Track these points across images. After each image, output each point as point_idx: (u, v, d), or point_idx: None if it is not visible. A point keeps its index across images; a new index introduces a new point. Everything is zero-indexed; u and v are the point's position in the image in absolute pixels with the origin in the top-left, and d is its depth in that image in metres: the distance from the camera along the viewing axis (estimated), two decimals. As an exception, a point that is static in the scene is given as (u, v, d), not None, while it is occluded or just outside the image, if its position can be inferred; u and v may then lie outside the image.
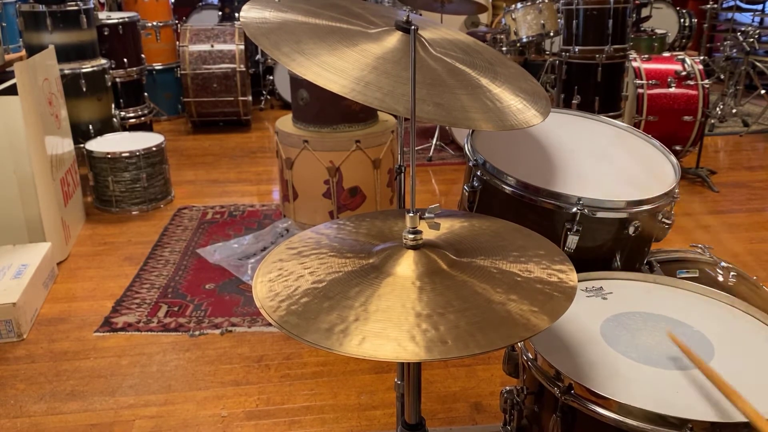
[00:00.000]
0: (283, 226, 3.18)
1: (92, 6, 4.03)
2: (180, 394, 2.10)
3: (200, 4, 6.09)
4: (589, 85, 3.95)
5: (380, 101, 1.03)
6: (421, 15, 3.96)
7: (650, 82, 3.82)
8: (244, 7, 1.22)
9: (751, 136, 4.99)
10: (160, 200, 3.67)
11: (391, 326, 0.89)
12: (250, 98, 5.15)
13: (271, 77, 5.77)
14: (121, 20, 4.50)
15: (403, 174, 1.43)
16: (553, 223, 1.50)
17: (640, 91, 3.82)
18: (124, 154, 3.49)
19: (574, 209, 1.46)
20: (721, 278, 1.71)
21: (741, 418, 1.00)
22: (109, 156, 3.47)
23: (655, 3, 6.09)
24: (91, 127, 3.97)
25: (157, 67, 5.40)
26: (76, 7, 3.88)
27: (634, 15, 5.41)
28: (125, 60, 4.58)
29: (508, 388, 1.33)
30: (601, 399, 1.05)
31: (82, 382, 2.17)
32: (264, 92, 5.86)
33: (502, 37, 4.79)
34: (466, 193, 1.64)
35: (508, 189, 1.54)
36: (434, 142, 4.60)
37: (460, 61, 1.26)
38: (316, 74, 1.05)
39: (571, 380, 1.10)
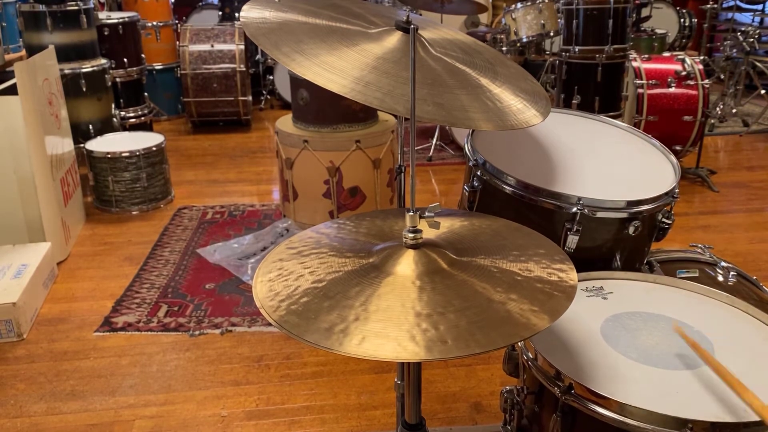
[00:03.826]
0: (283, 226, 3.18)
1: (92, 6, 4.03)
2: (180, 394, 2.10)
3: (200, 4, 6.09)
4: (589, 85, 3.94)
5: (380, 101, 1.03)
6: (421, 15, 3.96)
7: (650, 82, 3.82)
8: (244, 7, 1.22)
9: (751, 136, 4.99)
10: (160, 200, 3.67)
11: (391, 326, 0.89)
12: (250, 98, 5.15)
13: (271, 77, 5.77)
14: (121, 20, 4.50)
15: (403, 174, 1.43)
16: (553, 223, 1.50)
17: (640, 91, 3.82)
18: (124, 154, 3.49)
19: (574, 209, 1.46)
20: (721, 278, 1.71)
21: (741, 419, 1.00)
22: (109, 156, 3.47)
23: (655, 3, 6.09)
24: (91, 127, 3.97)
25: (157, 67, 5.40)
26: (76, 7, 3.88)
27: (634, 15, 5.41)
28: (125, 60, 4.58)
29: (508, 387, 1.33)
30: (602, 399, 1.05)
31: (82, 382, 2.17)
32: (264, 92, 5.86)
33: (502, 37, 4.79)
34: (466, 193, 1.64)
35: (508, 189, 1.54)
36: (434, 142, 4.60)
37: (460, 61, 1.26)
38: (316, 74, 1.05)
39: (571, 380, 1.10)
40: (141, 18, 4.80)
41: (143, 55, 4.80)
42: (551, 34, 4.60)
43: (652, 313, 1.30)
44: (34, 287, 2.56)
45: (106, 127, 4.06)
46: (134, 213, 3.57)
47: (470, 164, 1.64)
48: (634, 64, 3.90)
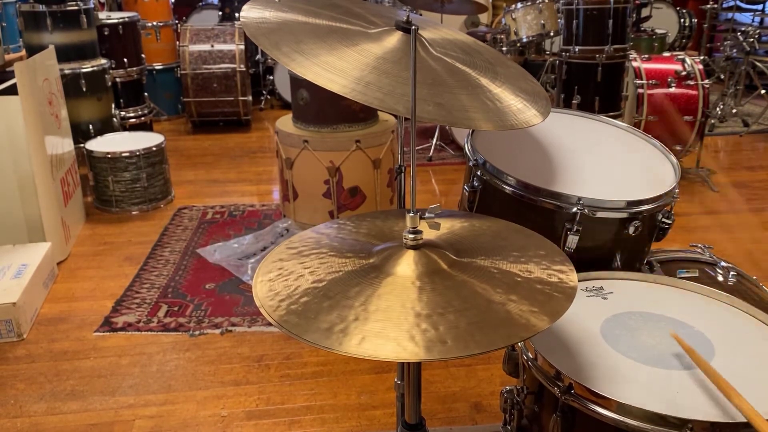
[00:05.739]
0: (283, 226, 3.18)
1: (92, 6, 4.03)
2: (180, 394, 2.10)
3: (200, 4, 6.09)
4: (589, 85, 3.94)
5: (380, 101, 1.03)
6: (421, 15, 3.96)
7: (650, 82, 3.82)
8: (244, 7, 1.22)
9: (751, 136, 4.99)
10: (160, 200, 3.67)
11: (390, 326, 0.89)
12: (250, 98, 5.15)
13: (271, 77, 5.77)
14: (121, 20, 4.50)
15: (403, 174, 1.43)
16: (553, 223, 1.50)
17: (640, 91, 3.82)
18: (124, 154, 3.49)
19: (574, 209, 1.46)
20: (721, 278, 1.71)
21: (741, 418, 1.00)
22: (109, 156, 3.47)
23: (655, 3, 6.09)
24: (91, 127, 3.97)
25: (157, 67, 5.40)
26: (76, 7, 3.88)
27: (634, 15, 5.41)
28: (125, 60, 4.58)
29: (508, 387, 1.33)
30: (601, 399, 1.05)
31: (82, 382, 2.17)
32: (264, 92, 5.85)
33: (502, 37, 4.79)
34: (466, 193, 1.64)
35: (508, 189, 1.54)
36: (434, 142, 4.60)
37: (460, 61, 1.26)
38: (316, 74, 1.05)
39: (571, 380, 1.10)
40: (141, 18, 4.80)
41: (143, 55, 4.80)
42: (551, 34, 4.60)
43: (652, 313, 1.30)
44: (34, 287, 2.56)
45: (106, 127, 4.06)
46: (134, 213, 3.57)
47: (470, 164, 1.64)
48: (634, 64, 3.90)
